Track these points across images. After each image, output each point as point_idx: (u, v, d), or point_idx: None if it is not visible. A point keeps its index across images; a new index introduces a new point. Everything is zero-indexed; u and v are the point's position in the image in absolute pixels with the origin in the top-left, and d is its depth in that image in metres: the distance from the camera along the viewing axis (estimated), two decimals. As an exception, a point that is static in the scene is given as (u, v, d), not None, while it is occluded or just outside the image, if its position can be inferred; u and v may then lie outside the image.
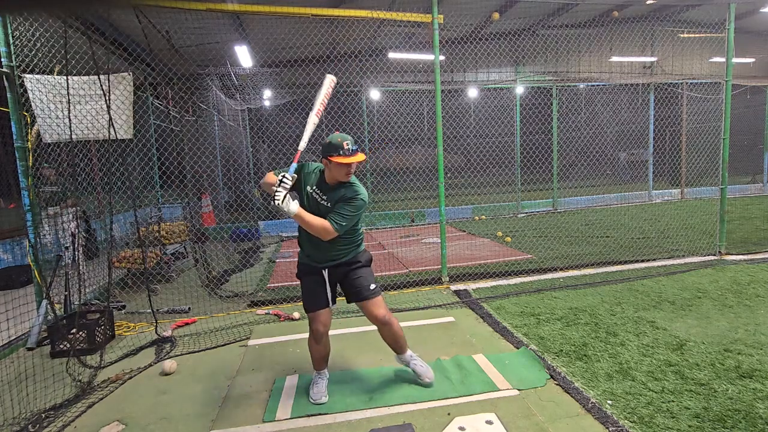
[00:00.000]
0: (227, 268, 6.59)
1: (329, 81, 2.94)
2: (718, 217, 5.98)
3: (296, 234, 2.98)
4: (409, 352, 3.01)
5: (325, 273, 2.84)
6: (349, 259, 2.87)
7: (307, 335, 2.89)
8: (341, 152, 2.61)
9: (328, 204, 2.74)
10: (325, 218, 2.68)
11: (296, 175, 2.69)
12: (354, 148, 2.64)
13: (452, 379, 3.00)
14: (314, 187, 2.78)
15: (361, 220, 2.91)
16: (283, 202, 2.55)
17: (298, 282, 2.98)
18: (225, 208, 11.01)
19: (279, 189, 2.56)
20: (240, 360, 3.53)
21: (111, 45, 7.60)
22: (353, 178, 2.78)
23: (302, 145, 2.75)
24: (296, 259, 3.02)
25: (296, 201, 2.67)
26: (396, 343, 2.96)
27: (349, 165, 2.65)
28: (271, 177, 2.72)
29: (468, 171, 12.46)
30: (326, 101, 2.90)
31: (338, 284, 2.92)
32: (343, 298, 2.96)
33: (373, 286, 2.85)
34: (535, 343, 3.54)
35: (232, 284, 5.79)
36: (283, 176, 2.60)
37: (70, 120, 3.94)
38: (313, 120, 2.81)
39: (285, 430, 2.60)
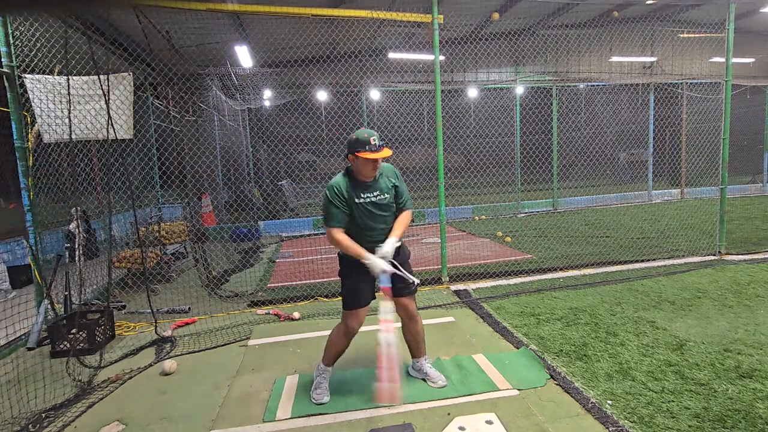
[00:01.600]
0: (227, 268, 6.59)
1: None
2: (718, 217, 5.98)
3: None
4: (426, 357, 3.05)
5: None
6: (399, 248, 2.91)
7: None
8: (368, 148, 2.58)
9: (386, 194, 2.74)
10: (390, 210, 2.75)
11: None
12: (380, 143, 2.64)
13: (452, 379, 3.00)
14: (362, 194, 2.72)
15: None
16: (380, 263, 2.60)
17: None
18: (225, 208, 11.01)
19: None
20: (240, 360, 3.53)
21: (111, 45, 7.60)
22: (384, 165, 2.81)
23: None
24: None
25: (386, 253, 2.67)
26: (418, 344, 3.00)
27: (375, 160, 2.64)
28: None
29: (468, 171, 12.46)
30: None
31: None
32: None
33: (417, 282, 2.89)
34: (535, 343, 3.54)
35: (232, 284, 5.79)
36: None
37: (70, 120, 3.94)
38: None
39: (285, 429, 2.60)
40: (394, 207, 2.83)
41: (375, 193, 2.73)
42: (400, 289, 2.85)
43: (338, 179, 2.75)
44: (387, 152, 2.66)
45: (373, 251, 2.67)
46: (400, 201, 2.85)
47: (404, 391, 2.90)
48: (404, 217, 2.82)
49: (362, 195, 2.72)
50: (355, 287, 2.81)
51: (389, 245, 2.67)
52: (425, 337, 3.04)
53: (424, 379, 3.01)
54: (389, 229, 2.80)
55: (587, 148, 10.57)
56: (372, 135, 2.62)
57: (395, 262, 2.72)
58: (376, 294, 2.90)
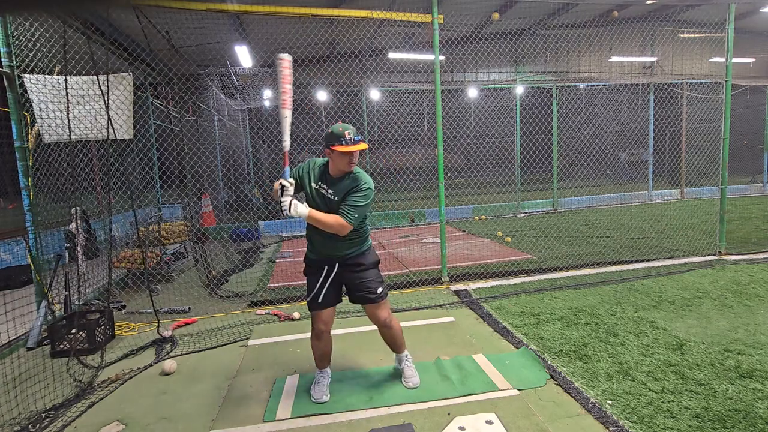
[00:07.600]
0: (227, 268, 6.59)
1: (281, 63, 2.65)
2: (718, 217, 5.98)
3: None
4: (405, 353, 3.05)
5: (333, 271, 2.82)
6: (356, 256, 2.83)
7: (307, 335, 2.90)
8: (343, 141, 2.58)
9: (335, 197, 2.71)
10: (335, 212, 2.66)
11: (292, 180, 2.62)
12: (357, 137, 2.62)
13: (452, 379, 3.00)
14: (319, 183, 2.75)
15: (368, 213, 2.89)
16: (290, 209, 2.52)
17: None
18: (225, 208, 11.01)
19: (282, 198, 2.53)
20: (240, 360, 3.53)
21: (111, 45, 7.60)
22: (357, 168, 2.75)
23: (286, 145, 2.66)
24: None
25: (304, 203, 2.66)
26: (394, 344, 3.01)
27: (351, 154, 2.62)
28: (276, 186, 2.61)
29: (468, 171, 12.46)
30: (289, 87, 2.67)
31: (344, 285, 2.90)
32: (345, 297, 2.96)
33: (380, 290, 2.84)
34: (535, 343, 3.54)
35: (232, 284, 5.79)
36: (281, 184, 2.56)
37: (69, 120, 3.94)
38: (283, 114, 2.67)
39: (285, 429, 2.60)
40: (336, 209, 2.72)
41: (330, 190, 2.72)
42: (361, 296, 2.83)
43: (317, 160, 2.82)
44: (362, 146, 2.64)
45: (321, 242, 2.76)
46: (341, 206, 2.66)
47: (404, 391, 2.91)
48: (331, 218, 2.63)
49: (320, 183, 2.74)
50: (316, 287, 2.81)
51: (302, 207, 2.57)
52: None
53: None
54: (337, 238, 2.73)
55: (587, 148, 10.57)
56: (347, 129, 2.61)
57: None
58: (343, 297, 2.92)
